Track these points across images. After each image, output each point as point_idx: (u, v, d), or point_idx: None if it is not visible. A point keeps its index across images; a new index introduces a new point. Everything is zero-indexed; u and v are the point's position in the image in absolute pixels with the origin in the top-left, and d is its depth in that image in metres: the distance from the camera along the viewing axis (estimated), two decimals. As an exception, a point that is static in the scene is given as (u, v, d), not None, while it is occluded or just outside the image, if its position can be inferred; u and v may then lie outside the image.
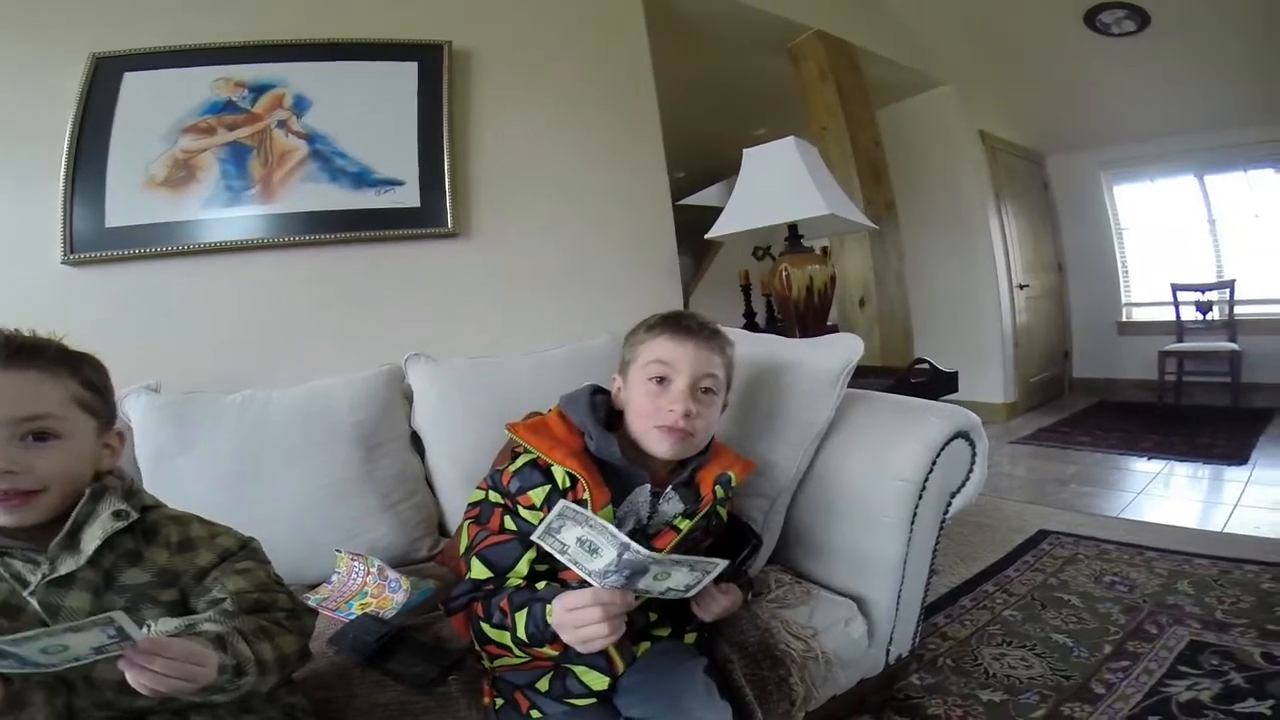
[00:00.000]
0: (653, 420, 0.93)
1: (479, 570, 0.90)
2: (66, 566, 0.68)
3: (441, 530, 1.51)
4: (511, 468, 0.94)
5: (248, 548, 0.81)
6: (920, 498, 1.15)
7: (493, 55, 2.11)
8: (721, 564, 0.77)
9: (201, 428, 1.33)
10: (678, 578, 0.76)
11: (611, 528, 0.72)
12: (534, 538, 0.75)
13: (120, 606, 0.67)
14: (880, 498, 1.16)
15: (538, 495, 0.90)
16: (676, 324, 0.98)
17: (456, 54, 2.03)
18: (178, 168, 1.72)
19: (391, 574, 1.22)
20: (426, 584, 1.23)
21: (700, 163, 5.41)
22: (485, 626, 0.88)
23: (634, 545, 0.71)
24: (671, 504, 0.96)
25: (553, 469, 0.91)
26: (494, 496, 0.95)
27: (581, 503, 0.87)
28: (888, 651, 1.26)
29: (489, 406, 1.47)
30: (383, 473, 1.43)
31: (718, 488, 0.96)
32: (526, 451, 0.94)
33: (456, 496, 1.47)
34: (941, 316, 4.22)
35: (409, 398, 1.55)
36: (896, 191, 3.38)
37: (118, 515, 0.71)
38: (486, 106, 2.08)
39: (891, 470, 1.15)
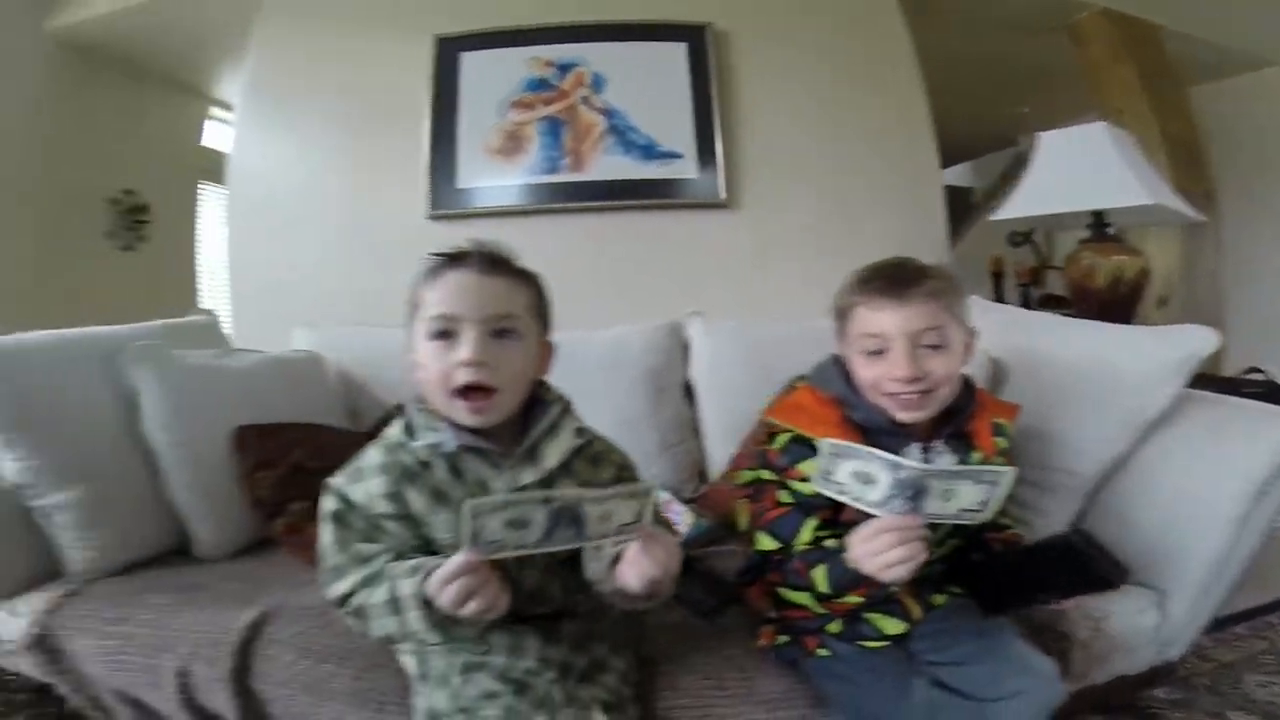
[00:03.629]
0: (880, 389, 0.89)
1: (766, 543, 0.93)
2: (527, 477, 0.74)
3: (702, 477, 1.62)
4: (775, 446, 0.95)
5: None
6: (1258, 501, 1.05)
7: (751, 35, 2.19)
8: (1010, 471, 0.73)
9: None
10: (965, 494, 0.74)
11: (879, 453, 0.73)
12: (813, 485, 0.78)
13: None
14: (1208, 494, 1.07)
15: (807, 467, 0.89)
16: (868, 287, 0.89)
17: (718, 34, 2.14)
18: (508, 138, 2.02)
19: (676, 507, 1.34)
20: (702, 521, 1.34)
21: (945, 141, 5.05)
22: (783, 591, 0.92)
23: (905, 462, 0.71)
24: (943, 457, 0.92)
25: (816, 443, 0.88)
26: (765, 475, 0.97)
27: None
28: (1158, 654, 1.16)
29: (759, 366, 1.54)
30: (664, 415, 1.58)
31: (998, 439, 0.92)
32: (785, 430, 0.95)
33: (720, 446, 1.57)
34: (1272, 322, 3.50)
35: (685, 351, 1.68)
36: (1219, 181, 2.92)
37: (579, 433, 0.79)
38: (748, 84, 2.17)
39: (1228, 468, 1.06)
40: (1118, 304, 1.72)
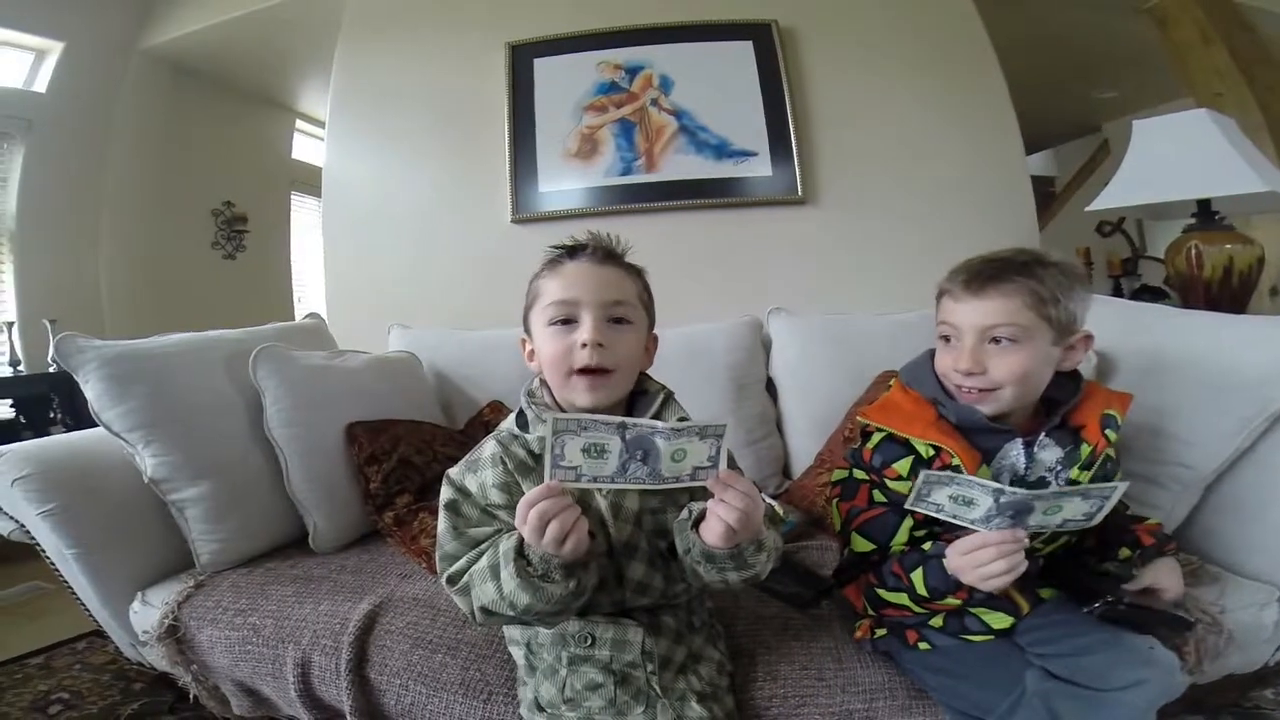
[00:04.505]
0: (947, 378, 0.90)
1: (861, 544, 0.93)
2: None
3: (785, 473, 1.63)
4: (869, 445, 0.95)
5: None
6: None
7: (818, 30, 2.18)
8: (1120, 487, 0.72)
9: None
10: (1071, 508, 0.74)
11: (980, 480, 0.72)
12: (907, 506, 0.78)
13: (661, 506, 0.81)
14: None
15: (902, 466, 0.90)
16: (955, 276, 0.90)
17: (784, 31, 2.13)
18: (584, 142, 2.07)
19: (766, 502, 1.35)
20: (791, 518, 1.35)
21: (1021, 128, 4.85)
22: (881, 592, 0.90)
23: (1007, 489, 0.71)
24: (1048, 451, 0.89)
25: (912, 442, 0.90)
26: (858, 474, 0.96)
27: (952, 468, 0.85)
28: (1274, 653, 1.09)
29: (844, 361, 1.55)
30: (747, 411, 1.59)
31: (1108, 432, 0.89)
32: (879, 429, 0.93)
33: (804, 442, 1.57)
34: None
35: (766, 347, 1.69)
36: (1329, 164, 2.70)
37: (681, 421, 0.82)
38: (819, 79, 2.15)
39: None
40: (1228, 295, 1.63)
